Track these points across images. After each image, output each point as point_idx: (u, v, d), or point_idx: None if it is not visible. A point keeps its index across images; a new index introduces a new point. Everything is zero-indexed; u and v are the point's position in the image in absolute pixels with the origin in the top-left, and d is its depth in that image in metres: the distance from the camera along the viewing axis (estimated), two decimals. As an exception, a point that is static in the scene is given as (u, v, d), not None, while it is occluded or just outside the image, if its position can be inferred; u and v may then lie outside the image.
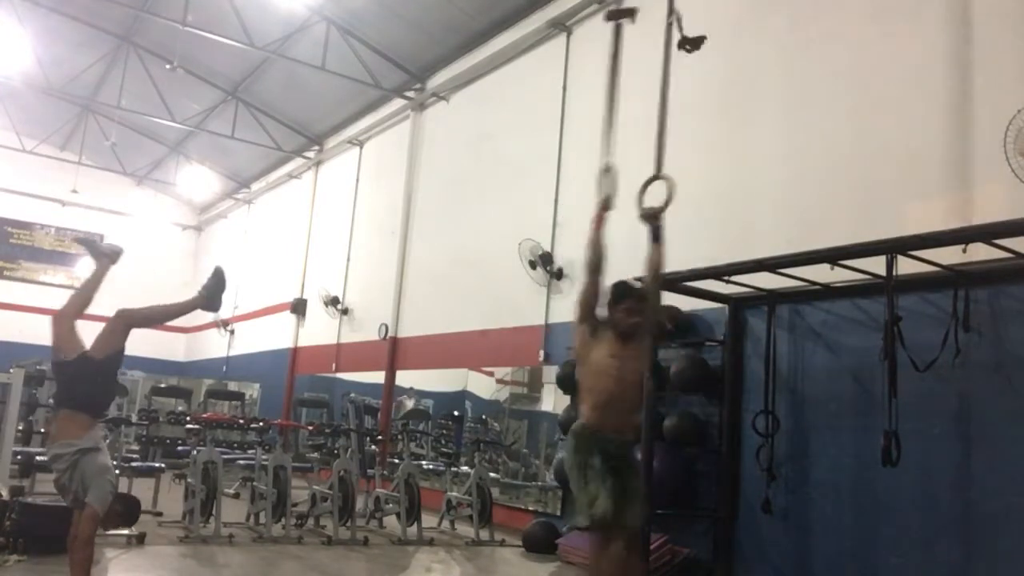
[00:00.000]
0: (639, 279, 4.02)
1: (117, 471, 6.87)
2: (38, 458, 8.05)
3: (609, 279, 3.96)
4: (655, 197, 3.83)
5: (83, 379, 4.26)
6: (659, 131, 4.03)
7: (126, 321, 4.46)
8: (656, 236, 3.89)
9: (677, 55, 4.14)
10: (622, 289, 3.99)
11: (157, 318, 5.08)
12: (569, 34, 9.59)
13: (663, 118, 4.02)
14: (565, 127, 9.36)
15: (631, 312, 3.91)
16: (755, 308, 6.50)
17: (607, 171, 3.98)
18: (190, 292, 4.88)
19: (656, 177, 3.97)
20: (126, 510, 4.75)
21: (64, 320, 4.38)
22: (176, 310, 4.86)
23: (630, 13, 4.19)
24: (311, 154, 16.27)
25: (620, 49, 4.12)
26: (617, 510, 3.78)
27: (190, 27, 11.66)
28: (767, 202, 6.78)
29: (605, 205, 3.91)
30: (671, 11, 4.21)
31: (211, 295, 4.72)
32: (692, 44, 4.16)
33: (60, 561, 5.55)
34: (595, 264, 3.89)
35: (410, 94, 12.80)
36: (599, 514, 3.77)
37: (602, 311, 3.97)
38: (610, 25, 4.20)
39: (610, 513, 3.76)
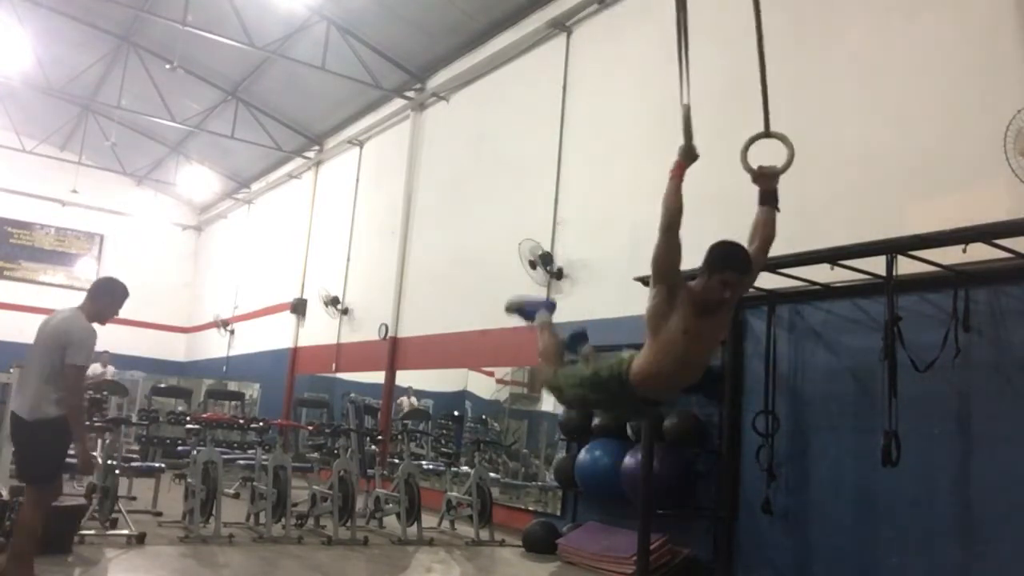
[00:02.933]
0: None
1: (117, 471, 6.92)
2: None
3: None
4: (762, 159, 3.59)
5: None
6: (763, 88, 3.74)
7: None
8: (769, 200, 3.51)
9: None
10: (730, 253, 3.29)
11: None
12: (569, 34, 9.59)
13: (764, 73, 3.77)
14: (565, 127, 9.36)
15: (727, 285, 3.20)
16: (755, 308, 6.50)
17: (687, 115, 3.39)
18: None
19: (767, 134, 3.60)
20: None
21: None
22: None
23: None
24: (311, 154, 16.27)
25: None
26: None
27: (190, 27, 11.66)
28: (767, 202, 6.78)
29: (688, 155, 3.35)
30: None
31: None
32: None
33: (59, 561, 5.57)
34: (675, 220, 3.27)
35: (410, 94, 12.80)
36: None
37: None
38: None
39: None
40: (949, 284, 5.13)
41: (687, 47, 3.53)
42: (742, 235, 3.64)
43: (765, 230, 3.52)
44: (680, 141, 3.41)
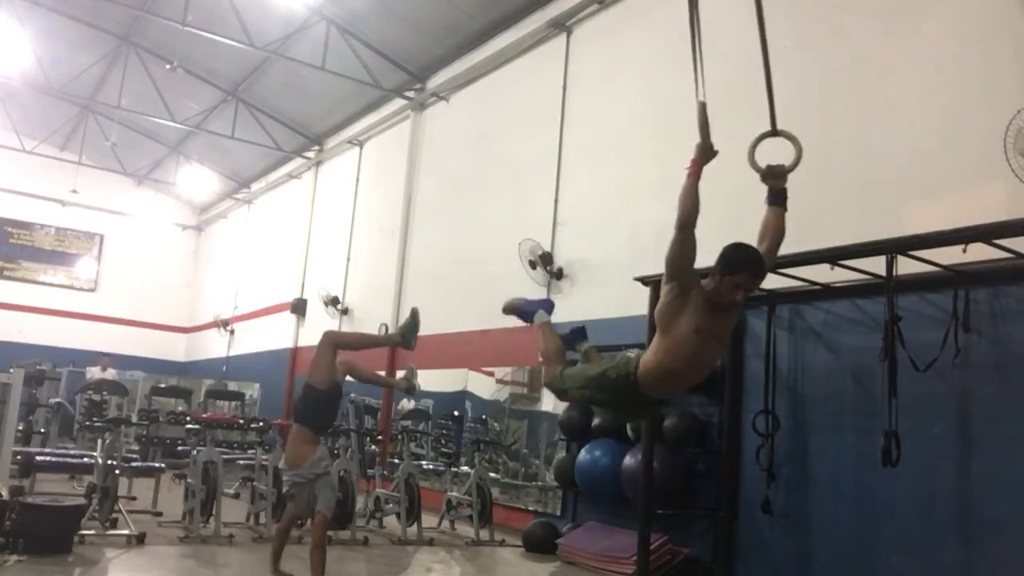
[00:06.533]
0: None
1: (117, 471, 6.92)
2: (38, 458, 8.07)
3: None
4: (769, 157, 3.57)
5: (313, 403, 5.08)
6: (767, 84, 3.69)
7: (333, 341, 5.13)
8: (778, 199, 3.53)
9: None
10: (745, 257, 3.31)
11: (357, 343, 5.61)
12: (569, 34, 9.59)
13: (768, 71, 3.70)
14: (565, 127, 9.36)
15: (740, 287, 3.22)
16: (755, 308, 6.50)
17: (703, 112, 3.35)
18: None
19: (774, 132, 3.59)
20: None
21: (329, 346, 5.06)
22: (374, 341, 5.60)
23: None
24: (311, 154, 16.28)
25: None
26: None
27: (190, 27, 11.66)
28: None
29: (706, 152, 3.32)
30: None
31: (406, 335, 5.30)
32: None
33: (59, 561, 5.57)
34: (691, 218, 3.22)
35: (410, 94, 12.80)
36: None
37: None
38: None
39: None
40: (949, 284, 5.13)
41: (700, 43, 3.48)
42: (751, 231, 3.63)
43: (776, 231, 3.53)
44: (696, 138, 3.38)
